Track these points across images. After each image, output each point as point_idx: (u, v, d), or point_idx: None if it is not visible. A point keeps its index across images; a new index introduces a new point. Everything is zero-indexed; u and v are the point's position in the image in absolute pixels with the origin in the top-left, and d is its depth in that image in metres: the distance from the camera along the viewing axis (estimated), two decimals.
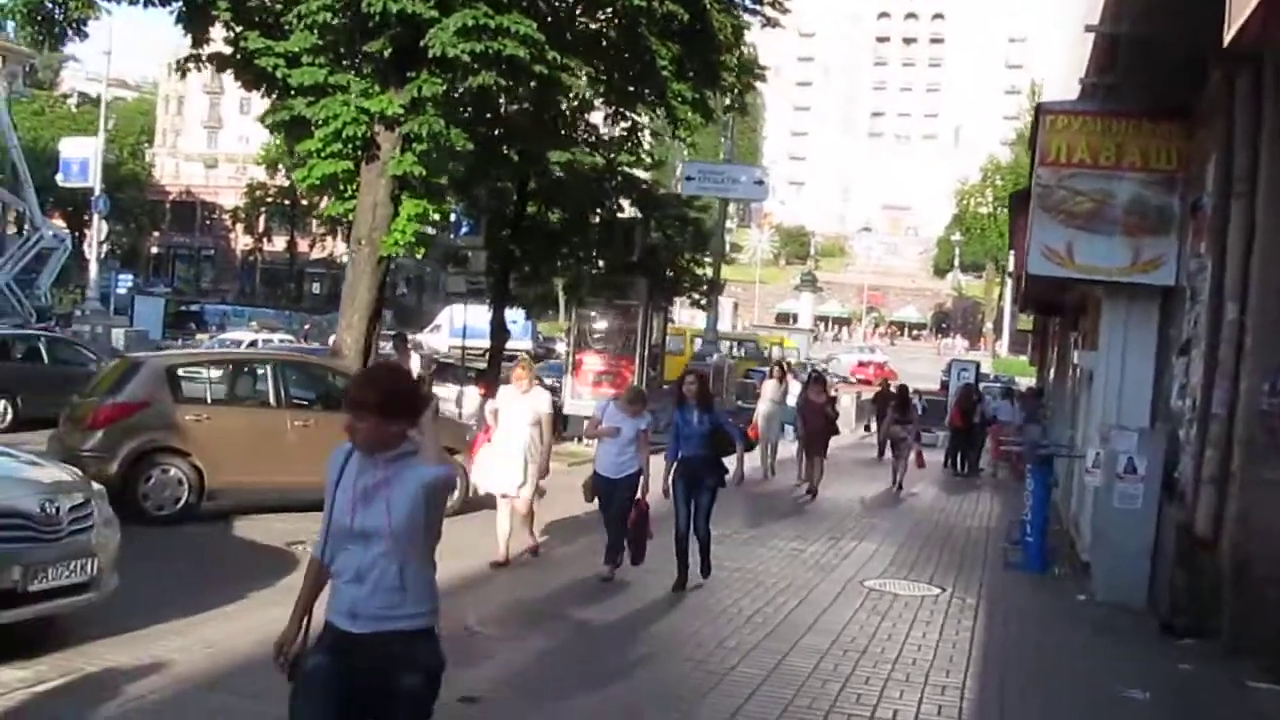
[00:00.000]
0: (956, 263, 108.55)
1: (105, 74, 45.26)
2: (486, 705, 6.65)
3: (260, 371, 13.60)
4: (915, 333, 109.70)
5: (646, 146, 22.06)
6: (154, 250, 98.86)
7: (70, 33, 15.79)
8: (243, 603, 8.83)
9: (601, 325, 23.05)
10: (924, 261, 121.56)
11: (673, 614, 9.36)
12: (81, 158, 46.65)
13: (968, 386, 28.55)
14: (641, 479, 10.02)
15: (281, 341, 42.94)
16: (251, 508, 12.70)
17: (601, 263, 23.01)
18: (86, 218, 53.28)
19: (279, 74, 16.19)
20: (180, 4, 16.19)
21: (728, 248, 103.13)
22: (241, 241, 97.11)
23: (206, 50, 17.11)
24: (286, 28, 16.02)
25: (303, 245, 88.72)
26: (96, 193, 42.06)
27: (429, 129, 15.31)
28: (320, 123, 16.22)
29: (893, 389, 24.59)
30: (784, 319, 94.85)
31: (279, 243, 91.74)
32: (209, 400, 13.01)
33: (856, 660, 8.22)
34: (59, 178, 49.41)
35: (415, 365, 18.67)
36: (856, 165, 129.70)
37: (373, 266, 17.11)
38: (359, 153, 16.59)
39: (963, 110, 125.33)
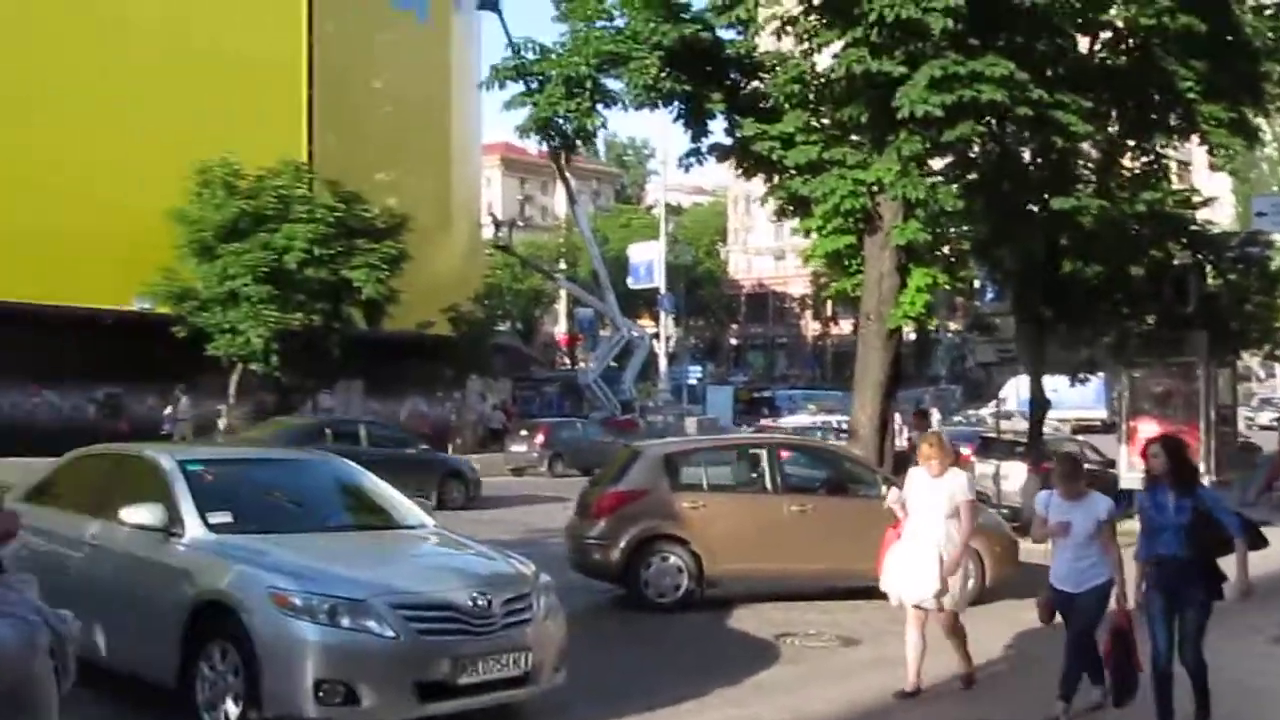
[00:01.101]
0: None
1: (663, 182, 48.76)
2: None
3: (758, 457, 13.36)
4: None
5: (1177, 183, 19.63)
6: (732, 341, 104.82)
7: (580, 142, 17.03)
8: (703, 700, 8.44)
9: (1156, 387, 20.68)
10: None
11: None
12: (647, 260, 50.36)
13: None
14: (1114, 589, 7.72)
15: (838, 423, 43.29)
16: (752, 596, 12.49)
17: (1150, 318, 20.67)
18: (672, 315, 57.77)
19: (774, 156, 16.20)
20: (678, 104, 16.69)
21: None
22: (811, 327, 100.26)
23: (706, 143, 17.49)
24: (778, 109, 16.05)
25: None
26: (661, 292, 44.99)
27: (914, 192, 14.52)
28: (818, 199, 16.00)
29: None
30: None
31: (846, 326, 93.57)
32: (706, 487, 12.97)
33: None
34: (629, 280, 53.65)
35: None
36: None
37: (883, 341, 16.46)
38: (860, 225, 16.15)
39: None
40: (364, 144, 39.71)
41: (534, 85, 17.27)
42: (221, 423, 29.52)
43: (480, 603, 7.07)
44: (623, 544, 12.29)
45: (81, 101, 31.54)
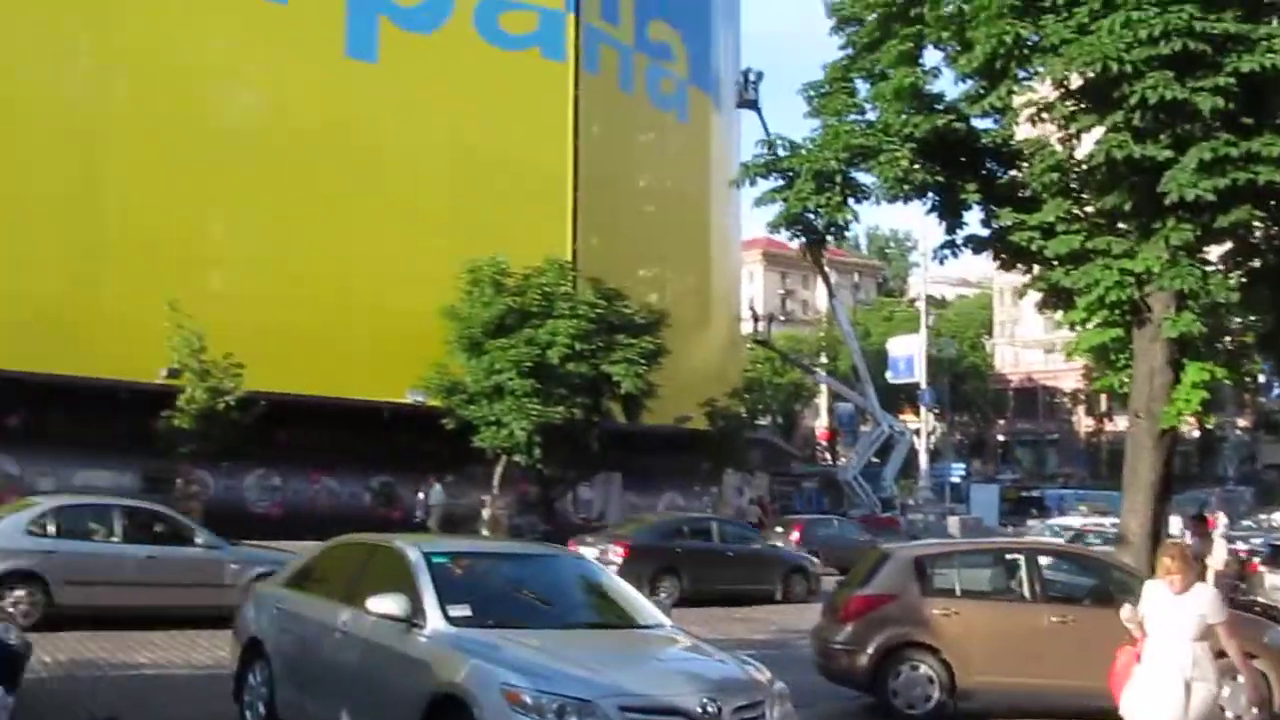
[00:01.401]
0: None
1: (924, 274, 47.90)
2: None
3: (1015, 562, 12.68)
4: None
5: None
6: (999, 438, 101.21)
7: (831, 236, 16.92)
8: None
9: None
10: None
11: None
12: (907, 355, 49.47)
13: None
14: None
15: (1113, 526, 40.91)
16: (1008, 711, 11.79)
17: None
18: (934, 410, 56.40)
19: (1034, 247, 15.61)
20: (932, 195, 16.37)
21: None
22: (1084, 423, 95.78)
23: (961, 234, 17.04)
24: (1036, 198, 15.53)
25: None
26: (921, 386, 44.05)
27: (1184, 283, 13.66)
28: (1082, 290, 15.30)
29: None
30: None
31: (1121, 422, 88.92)
32: (958, 593, 12.41)
33: None
34: (888, 374, 52.72)
35: (1220, 553, 16.31)
36: None
37: (1154, 441, 15.44)
38: (1127, 317, 15.31)
39: None
40: (626, 241, 40.84)
41: (785, 181, 17.34)
42: (485, 513, 30.50)
43: (710, 709, 6.93)
44: (870, 650, 11.85)
45: (368, 209, 33.77)
